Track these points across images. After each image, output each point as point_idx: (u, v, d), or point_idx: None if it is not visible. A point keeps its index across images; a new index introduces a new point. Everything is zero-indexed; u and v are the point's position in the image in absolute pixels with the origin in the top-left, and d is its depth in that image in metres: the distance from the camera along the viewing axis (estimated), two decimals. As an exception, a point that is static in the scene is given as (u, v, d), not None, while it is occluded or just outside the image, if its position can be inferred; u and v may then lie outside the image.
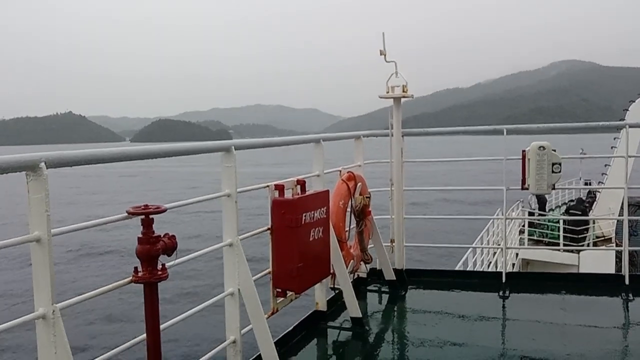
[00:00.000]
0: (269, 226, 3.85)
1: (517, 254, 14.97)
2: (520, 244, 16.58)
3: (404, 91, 5.88)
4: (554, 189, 5.87)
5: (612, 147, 18.20)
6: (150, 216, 2.58)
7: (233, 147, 3.49)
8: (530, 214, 18.34)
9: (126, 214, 2.59)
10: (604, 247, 16.64)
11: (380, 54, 5.72)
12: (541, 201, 20.07)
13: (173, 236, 2.71)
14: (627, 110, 18.08)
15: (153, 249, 2.56)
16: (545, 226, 17.83)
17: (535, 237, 17.87)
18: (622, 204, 6.29)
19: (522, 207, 18.26)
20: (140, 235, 2.56)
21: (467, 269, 8.55)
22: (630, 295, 5.48)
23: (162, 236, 2.65)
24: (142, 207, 2.61)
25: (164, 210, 2.64)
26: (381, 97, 5.97)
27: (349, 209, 5.13)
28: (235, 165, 3.48)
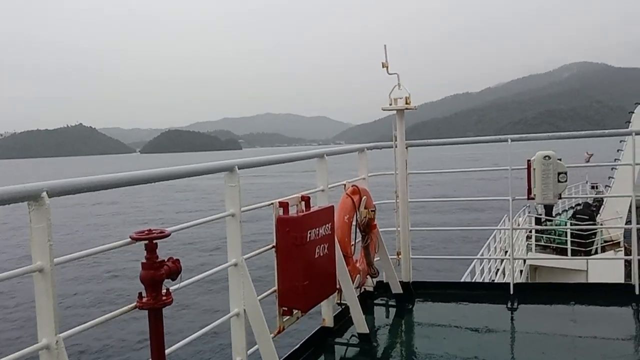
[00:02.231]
0: (274, 244, 3.87)
1: (524, 261, 14.94)
2: (527, 250, 16.51)
3: (406, 103, 5.88)
4: (560, 198, 5.85)
5: (618, 150, 18.13)
6: (154, 241, 2.62)
7: (236, 167, 3.52)
8: (537, 219, 18.24)
9: (130, 240, 2.62)
10: (612, 251, 16.52)
11: (383, 67, 5.74)
12: (548, 206, 19.97)
13: (177, 260, 2.73)
14: (633, 112, 18.05)
15: (157, 274, 2.58)
16: (553, 231, 17.72)
17: (542, 243, 17.76)
18: (630, 211, 6.24)
19: (529, 212, 18.14)
20: (144, 261, 2.59)
21: (475, 280, 8.50)
22: None
23: (166, 260, 2.68)
24: (146, 232, 2.64)
25: (168, 235, 2.67)
26: (384, 110, 5.99)
27: (354, 223, 5.13)
28: (239, 184, 3.51)
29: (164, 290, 2.61)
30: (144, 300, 2.56)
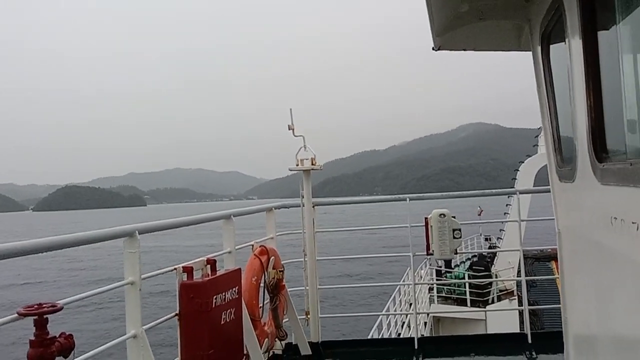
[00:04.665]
0: (177, 312, 3.75)
1: (428, 314, 15.77)
2: (430, 302, 17.45)
3: (312, 164, 6.07)
4: (456, 253, 6.23)
5: (507, 205, 20.02)
6: (45, 316, 2.48)
7: (137, 232, 3.43)
8: (438, 271, 19.29)
9: (17, 315, 2.46)
10: (507, 300, 17.91)
11: (289, 129, 5.92)
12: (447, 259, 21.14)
13: (70, 335, 2.60)
14: (518, 170, 20.09)
15: (47, 352, 2.44)
16: (453, 284, 18.87)
17: (444, 294, 18.81)
18: (519, 264, 6.77)
19: (430, 264, 19.13)
20: (33, 338, 2.44)
21: (382, 336, 8.68)
22: (533, 352, 5.81)
23: (57, 336, 2.54)
24: (35, 306, 2.50)
25: (60, 309, 2.55)
26: (291, 170, 6.14)
27: (262, 285, 5.11)
28: (139, 250, 3.41)
29: (54, 370, 2.45)
30: (32, 382, 2.38)
